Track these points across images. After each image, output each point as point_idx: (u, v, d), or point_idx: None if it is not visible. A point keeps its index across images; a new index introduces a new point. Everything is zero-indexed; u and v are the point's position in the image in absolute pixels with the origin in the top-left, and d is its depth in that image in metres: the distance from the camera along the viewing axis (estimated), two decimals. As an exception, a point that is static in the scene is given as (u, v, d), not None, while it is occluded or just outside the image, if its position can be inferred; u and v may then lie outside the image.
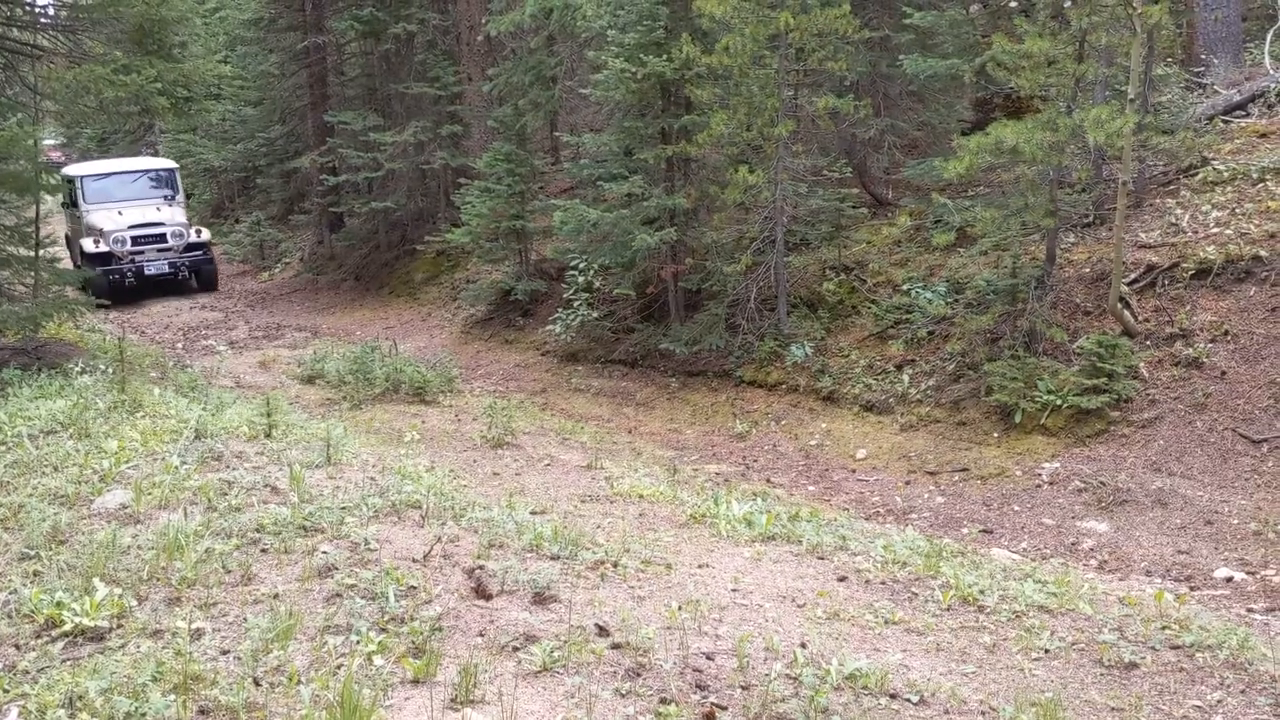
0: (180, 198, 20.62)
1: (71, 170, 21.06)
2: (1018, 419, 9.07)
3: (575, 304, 13.79)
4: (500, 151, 14.94)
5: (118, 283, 18.74)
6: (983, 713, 3.83)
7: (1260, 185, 10.06)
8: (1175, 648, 4.56)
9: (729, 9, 10.90)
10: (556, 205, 13.26)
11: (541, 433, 10.27)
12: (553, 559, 4.95)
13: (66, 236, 21.29)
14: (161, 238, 19.34)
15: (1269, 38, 13.09)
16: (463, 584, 4.50)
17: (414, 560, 4.72)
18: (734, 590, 4.90)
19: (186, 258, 19.62)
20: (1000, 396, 9.21)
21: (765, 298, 11.91)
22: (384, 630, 3.97)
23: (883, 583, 5.24)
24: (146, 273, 19.15)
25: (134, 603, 4.17)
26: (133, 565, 4.49)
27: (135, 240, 19.11)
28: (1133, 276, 9.67)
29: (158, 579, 4.38)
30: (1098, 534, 7.45)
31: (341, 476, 6.21)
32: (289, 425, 7.73)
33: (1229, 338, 8.82)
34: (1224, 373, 8.55)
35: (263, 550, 4.77)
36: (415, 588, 4.37)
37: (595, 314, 13.71)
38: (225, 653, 3.79)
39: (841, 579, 5.27)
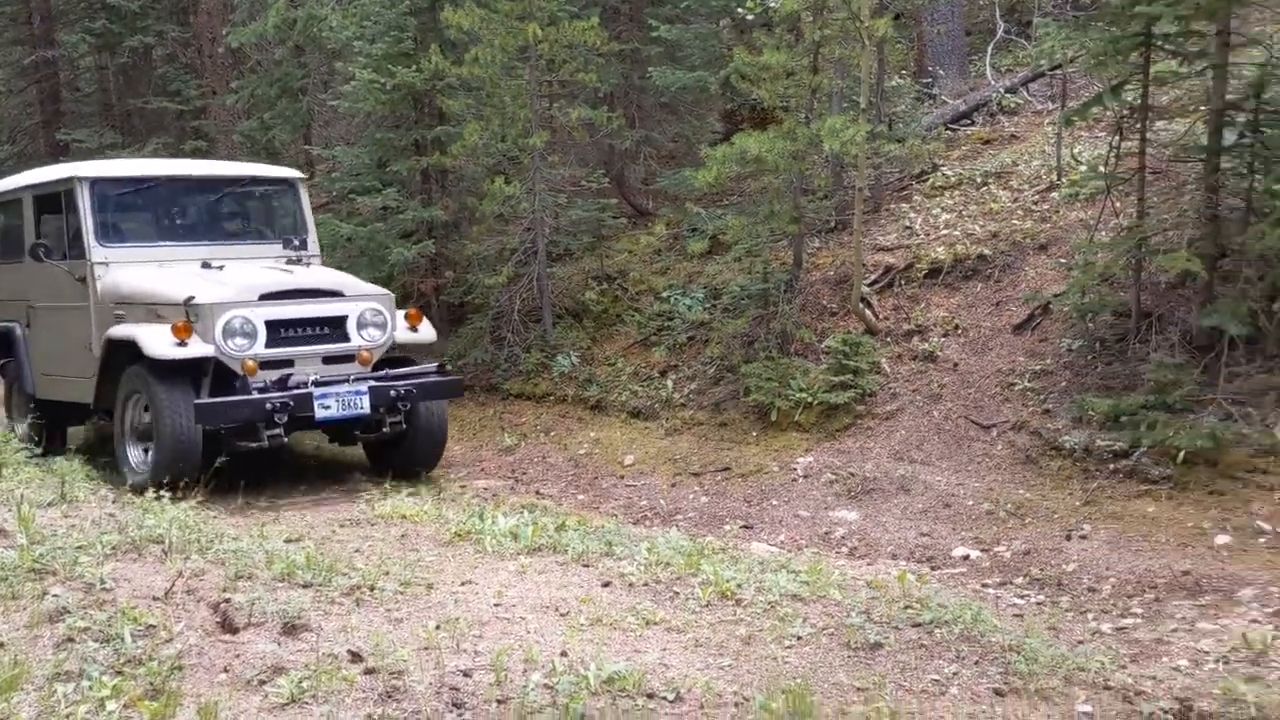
0: (313, 240, 9.68)
1: (55, 172, 9.34)
2: (774, 417, 9.40)
3: (335, 322, 13.38)
4: (249, 167, 14.39)
5: (239, 433, 7.59)
6: (736, 704, 3.94)
7: (984, 189, 10.79)
8: (916, 626, 4.82)
9: (476, 20, 10.86)
10: (311, 221, 12.86)
11: (299, 455, 9.95)
12: (305, 587, 4.80)
13: (6, 335, 9.50)
14: (336, 327, 8.20)
15: (989, 50, 14.07)
16: (207, 619, 4.31)
17: (154, 598, 4.49)
18: (497, 605, 4.88)
19: (401, 382, 8.11)
20: (757, 397, 9.53)
21: (530, 309, 11.92)
22: (119, 673, 3.75)
23: (646, 585, 5.33)
24: (320, 414, 7.66)
25: None
26: None
27: (277, 333, 7.87)
28: (873, 278, 10.20)
29: None
30: (848, 522, 7.81)
31: (77, 514, 5.87)
32: (19, 463, 7.24)
33: (959, 331, 9.42)
34: (956, 365, 9.12)
35: (-15, 599, 4.43)
36: (155, 626, 4.15)
37: (356, 332, 13.34)
38: (-63, 713, 3.50)
39: (606, 584, 5.33)
